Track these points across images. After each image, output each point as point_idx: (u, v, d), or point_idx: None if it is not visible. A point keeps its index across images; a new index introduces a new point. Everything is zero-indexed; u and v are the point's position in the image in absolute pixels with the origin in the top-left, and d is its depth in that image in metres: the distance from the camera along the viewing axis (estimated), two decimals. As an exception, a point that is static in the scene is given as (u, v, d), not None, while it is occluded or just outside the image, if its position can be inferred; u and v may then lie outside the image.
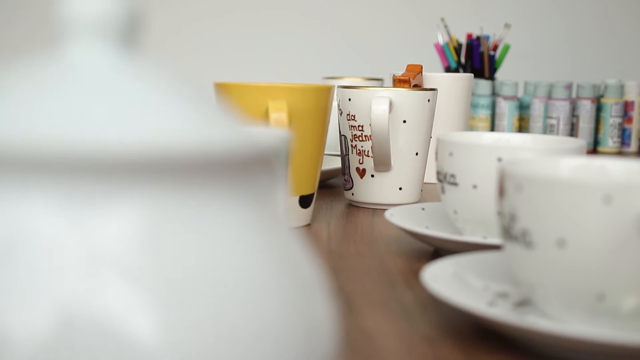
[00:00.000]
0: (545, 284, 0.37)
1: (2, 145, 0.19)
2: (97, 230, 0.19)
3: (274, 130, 0.24)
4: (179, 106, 0.21)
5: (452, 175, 0.54)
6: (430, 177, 0.91)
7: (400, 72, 0.96)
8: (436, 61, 1.61)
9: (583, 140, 0.53)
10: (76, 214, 0.19)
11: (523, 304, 0.41)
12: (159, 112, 0.20)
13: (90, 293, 0.19)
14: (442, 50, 1.32)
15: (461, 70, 1.32)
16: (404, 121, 0.73)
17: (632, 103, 1.37)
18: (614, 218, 0.34)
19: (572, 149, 0.52)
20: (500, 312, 0.36)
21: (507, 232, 0.38)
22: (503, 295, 0.42)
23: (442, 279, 0.41)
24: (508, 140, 0.58)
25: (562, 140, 0.56)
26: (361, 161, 0.74)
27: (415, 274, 0.50)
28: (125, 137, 0.19)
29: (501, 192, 0.38)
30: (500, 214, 0.39)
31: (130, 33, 0.21)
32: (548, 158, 0.42)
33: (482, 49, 1.32)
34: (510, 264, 0.39)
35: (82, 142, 0.19)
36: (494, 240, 0.50)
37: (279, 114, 0.58)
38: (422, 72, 0.90)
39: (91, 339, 0.18)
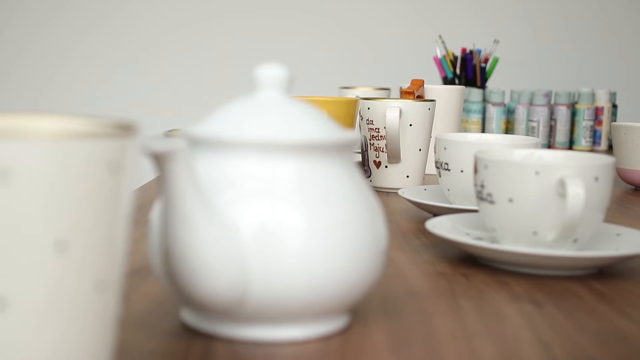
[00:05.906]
0: (502, 227, 0.59)
1: (233, 137, 0.41)
2: (273, 178, 0.42)
3: (351, 131, 0.46)
4: (312, 118, 0.43)
5: (446, 164, 0.76)
6: (430, 169, 1.13)
7: (406, 83, 1.18)
8: (435, 72, 1.84)
9: (538, 138, 0.76)
10: (263, 170, 0.42)
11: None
12: (305, 122, 0.43)
13: (269, 210, 0.41)
14: (440, 63, 1.54)
15: (456, 80, 1.53)
16: (410, 125, 0.95)
17: (602, 108, 1.59)
18: (541, 184, 0.57)
19: (529, 144, 0.75)
20: (478, 243, 0.58)
21: (479, 195, 0.61)
22: (479, 238, 0.65)
23: (439, 227, 0.63)
24: (486, 139, 0.81)
25: (523, 139, 0.79)
26: (377, 155, 0.96)
27: (421, 231, 0.73)
28: (291, 133, 0.42)
29: (475, 169, 0.61)
30: (474, 184, 0.61)
31: (288, 84, 0.43)
32: (507, 149, 0.65)
33: (475, 61, 1.53)
34: (481, 216, 0.62)
35: (269, 135, 0.41)
36: (474, 207, 0.72)
37: (322, 119, 0.81)
38: (423, 85, 1.12)
39: (270, 233, 0.41)
